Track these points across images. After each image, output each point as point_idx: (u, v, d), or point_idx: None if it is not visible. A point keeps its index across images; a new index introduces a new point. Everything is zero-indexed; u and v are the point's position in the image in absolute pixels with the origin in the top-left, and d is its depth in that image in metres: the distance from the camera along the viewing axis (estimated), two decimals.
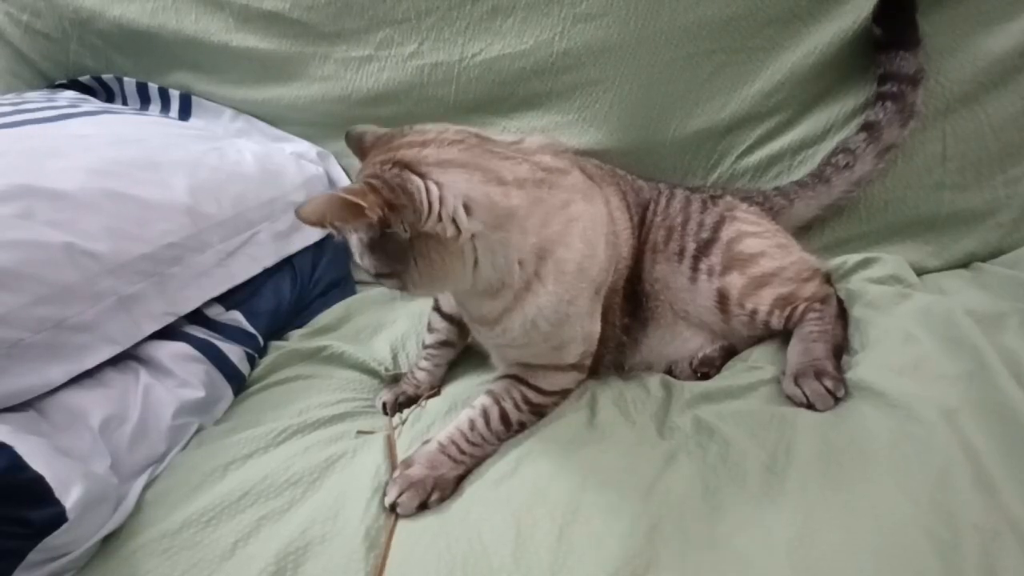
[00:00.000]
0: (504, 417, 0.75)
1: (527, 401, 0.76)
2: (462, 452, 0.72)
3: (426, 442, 0.74)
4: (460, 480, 0.71)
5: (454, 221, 0.63)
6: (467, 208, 0.64)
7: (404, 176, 0.63)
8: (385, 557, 0.62)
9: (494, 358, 0.83)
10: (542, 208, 0.69)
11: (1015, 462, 0.62)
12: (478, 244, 0.66)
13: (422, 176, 0.64)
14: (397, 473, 0.70)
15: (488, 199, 0.65)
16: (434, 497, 0.68)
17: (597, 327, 0.80)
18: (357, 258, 0.68)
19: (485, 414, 0.74)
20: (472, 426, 0.74)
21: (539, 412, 0.77)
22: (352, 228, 0.64)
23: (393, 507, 0.67)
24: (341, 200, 0.60)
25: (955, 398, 0.69)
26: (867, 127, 0.95)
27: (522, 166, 0.70)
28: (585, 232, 0.72)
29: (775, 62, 0.98)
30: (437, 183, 0.63)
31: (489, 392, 0.77)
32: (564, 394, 0.80)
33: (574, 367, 0.79)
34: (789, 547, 0.58)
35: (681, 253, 0.87)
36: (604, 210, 0.79)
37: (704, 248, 0.86)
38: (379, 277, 0.69)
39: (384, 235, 0.63)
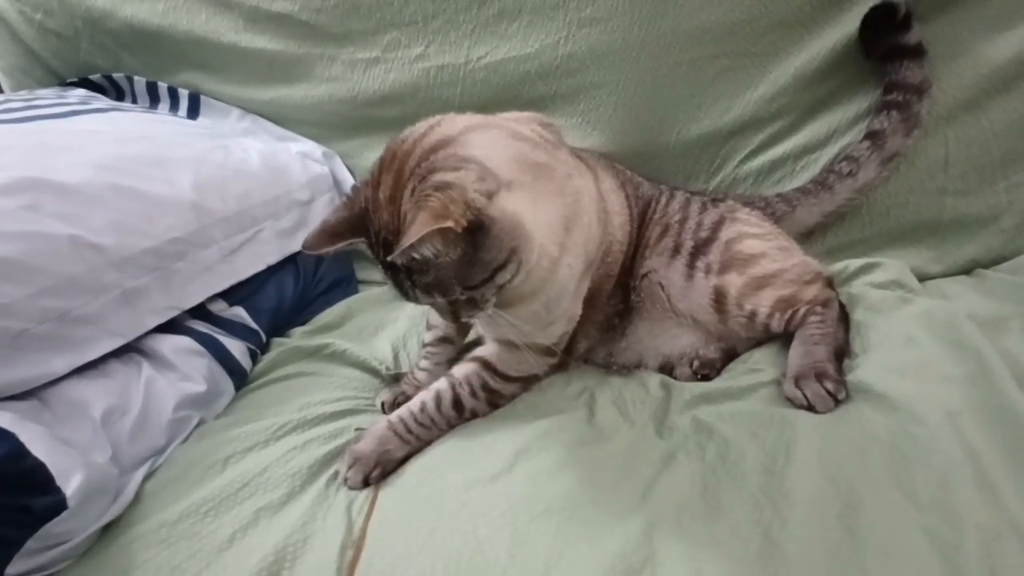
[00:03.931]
0: (457, 403, 0.76)
1: (486, 388, 0.77)
2: (409, 431, 0.74)
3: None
4: (406, 459, 0.73)
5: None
6: (513, 160, 0.65)
7: (454, 151, 0.64)
8: (359, 549, 0.62)
9: (482, 328, 0.84)
10: (556, 174, 0.70)
11: (1016, 463, 0.62)
12: (525, 195, 0.65)
13: (464, 143, 0.65)
14: (349, 447, 0.73)
15: (520, 152, 0.67)
16: (375, 472, 0.70)
17: (579, 309, 0.81)
18: (457, 292, 0.64)
19: (438, 398, 0.76)
20: (423, 408, 0.76)
21: (495, 402, 0.78)
22: (449, 248, 0.61)
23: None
24: (426, 238, 0.58)
25: (957, 400, 0.69)
26: (871, 135, 0.96)
27: (524, 127, 0.71)
28: (587, 209, 0.73)
29: (778, 67, 0.99)
30: (478, 143, 0.65)
31: (448, 376, 0.79)
32: (527, 382, 0.81)
33: (548, 351, 0.80)
34: (790, 546, 0.57)
35: (676, 250, 0.87)
36: (595, 187, 0.80)
37: (702, 246, 0.86)
38: (483, 288, 0.65)
39: (473, 236, 0.61)
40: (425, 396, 0.77)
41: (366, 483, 0.70)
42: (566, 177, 0.73)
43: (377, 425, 0.75)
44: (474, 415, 0.77)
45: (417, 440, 0.74)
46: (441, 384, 0.78)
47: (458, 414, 0.76)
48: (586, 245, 0.76)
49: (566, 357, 0.86)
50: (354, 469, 0.70)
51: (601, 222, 0.80)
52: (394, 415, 0.76)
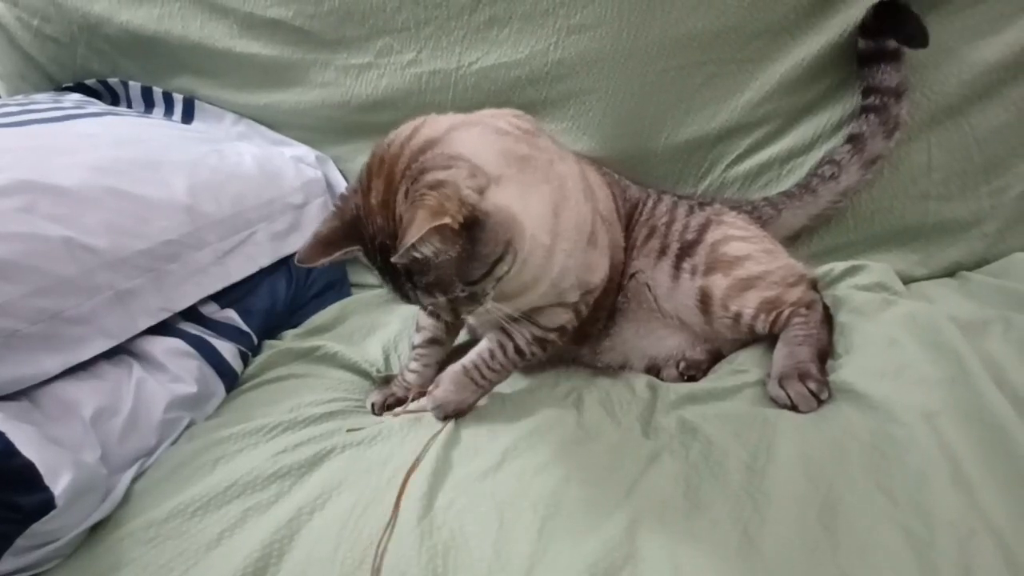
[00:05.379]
0: (518, 349, 0.81)
1: (533, 335, 0.81)
2: (483, 377, 0.80)
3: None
4: (474, 404, 0.80)
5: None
6: (499, 154, 0.67)
7: (441, 151, 0.65)
8: (386, 539, 0.62)
9: (479, 327, 0.87)
10: (539, 163, 0.71)
11: (992, 463, 0.62)
12: (514, 188, 0.67)
13: (450, 142, 0.66)
14: (428, 393, 0.81)
15: (504, 146, 0.68)
16: (452, 416, 0.79)
17: (600, 272, 0.83)
18: (458, 290, 0.66)
19: (502, 346, 0.81)
20: (492, 355, 0.81)
21: (543, 346, 0.83)
22: (448, 245, 0.62)
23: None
24: (425, 236, 0.59)
25: (936, 401, 0.70)
26: (852, 139, 0.97)
27: (502, 122, 0.73)
28: (573, 190, 0.75)
29: (764, 73, 1.00)
30: (464, 141, 0.66)
31: (501, 329, 0.82)
32: (563, 331, 0.84)
33: (574, 307, 0.83)
34: (768, 543, 0.58)
35: (663, 251, 0.88)
36: (576, 168, 0.82)
37: (688, 248, 0.87)
38: (484, 283, 0.66)
39: (469, 232, 0.62)
40: (490, 345, 0.81)
41: (446, 418, 0.78)
42: (548, 164, 0.74)
43: (451, 370, 0.81)
44: (533, 356, 0.83)
45: (489, 385, 0.81)
46: (499, 335, 0.81)
47: (520, 357, 0.81)
48: (578, 224, 0.77)
49: (564, 342, 0.87)
50: (436, 411, 0.79)
51: (588, 199, 0.81)
52: (467, 361, 0.81)
